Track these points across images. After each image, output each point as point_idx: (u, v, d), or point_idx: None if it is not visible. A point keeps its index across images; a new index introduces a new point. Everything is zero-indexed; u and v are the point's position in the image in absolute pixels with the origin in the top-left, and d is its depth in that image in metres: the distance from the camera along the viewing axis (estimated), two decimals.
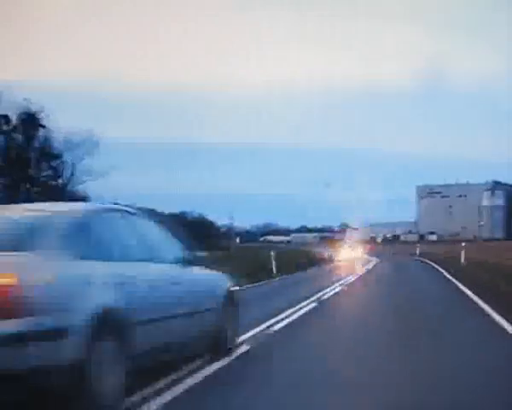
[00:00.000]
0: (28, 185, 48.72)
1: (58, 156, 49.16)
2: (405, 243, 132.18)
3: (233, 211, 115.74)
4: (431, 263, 42.26)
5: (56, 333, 4.79)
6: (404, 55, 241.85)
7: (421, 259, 51.02)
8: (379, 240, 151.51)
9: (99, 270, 5.59)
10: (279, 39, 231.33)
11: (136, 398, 5.86)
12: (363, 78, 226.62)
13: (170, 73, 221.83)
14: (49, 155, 48.20)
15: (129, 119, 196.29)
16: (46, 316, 4.76)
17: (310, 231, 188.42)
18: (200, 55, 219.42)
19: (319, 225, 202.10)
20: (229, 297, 8.25)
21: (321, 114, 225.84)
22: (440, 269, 33.44)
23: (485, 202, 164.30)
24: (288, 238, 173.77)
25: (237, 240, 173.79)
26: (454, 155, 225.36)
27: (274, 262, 30.62)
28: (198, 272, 7.68)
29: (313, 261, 44.82)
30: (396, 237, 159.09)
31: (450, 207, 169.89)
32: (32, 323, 4.66)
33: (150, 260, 6.61)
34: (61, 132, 46.56)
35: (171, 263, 7.07)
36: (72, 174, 49.44)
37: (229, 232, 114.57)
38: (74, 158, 48.13)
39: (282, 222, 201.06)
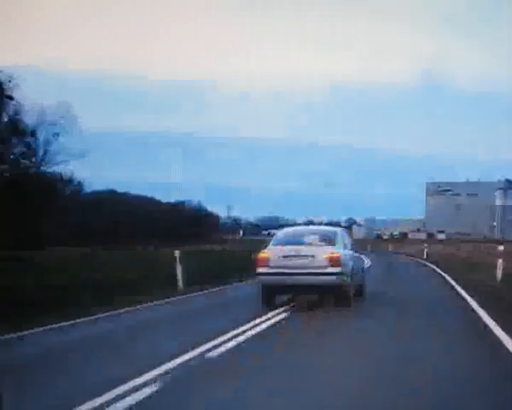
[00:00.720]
0: None
1: (31, 133, 44.46)
2: (413, 241, 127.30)
3: (233, 203, 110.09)
4: (450, 281, 23.52)
5: (345, 273, 14.60)
6: (410, 52, 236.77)
7: (432, 266, 35.91)
8: (385, 237, 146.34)
9: (349, 253, 15.69)
10: (280, 38, 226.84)
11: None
12: (370, 75, 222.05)
13: (174, 65, 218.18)
14: (18, 130, 43.48)
15: (132, 111, 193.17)
16: (343, 267, 14.52)
17: (315, 225, 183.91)
18: (201, 48, 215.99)
19: (325, 220, 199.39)
20: (365, 269, 20.44)
21: (329, 111, 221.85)
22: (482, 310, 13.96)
23: (498, 202, 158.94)
24: None
25: (240, 233, 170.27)
26: (464, 153, 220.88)
27: (180, 268, 20.25)
28: (357, 254, 17.71)
29: None
30: (403, 235, 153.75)
31: (460, 205, 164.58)
32: (340, 269, 14.44)
33: (351, 249, 16.51)
34: (35, 106, 42.00)
35: (352, 250, 16.59)
36: (45, 153, 44.83)
37: (229, 225, 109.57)
38: (48, 135, 43.52)
39: (288, 215, 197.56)
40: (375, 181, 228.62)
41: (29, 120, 42.63)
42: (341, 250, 14.95)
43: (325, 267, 14.23)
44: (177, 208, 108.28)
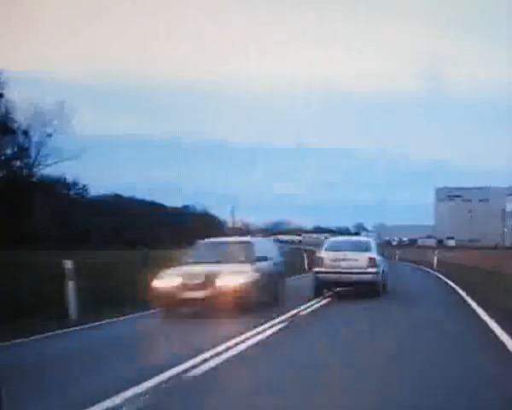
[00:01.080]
0: None
1: (23, 132, 42.52)
2: (422, 247, 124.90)
3: (241, 207, 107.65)
4: (477, 309, 15.27)
5: (378, 273, 19.10)
6: (411, 54, 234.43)
7: (445, 279, 28.16)
8: (394, 243, 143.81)
9: (380, 258, 20.07)
10: (281, 39, 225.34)
11: None
12: (380, 79, 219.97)
13: (176, 69, 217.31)
14: (9, 129, 41.49)
15: (130, 111, 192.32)
16: (377, 268, 19.10)
17: (324, 231, 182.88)
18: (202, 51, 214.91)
19: (333, 226, 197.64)
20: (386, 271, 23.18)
21: (336, 115, 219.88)
22: None
23: (509, 207, 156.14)
24: (300, 238, 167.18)
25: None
26: (474, 159, 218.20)
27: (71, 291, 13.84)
28: (384, 259, 22.34)
29: None
30: (413, 242, 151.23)
31: (471, 211, 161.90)
32: (376, 269, 19.01)
33: (381, 255, 21.84)
34: (28, 105, 40.08)
35: (381, 256, 21.73)
36: (38, 154, 42.92)
37: (230, 229, 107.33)
38: (41, 135, 41.63)
39: (297, 221, 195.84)
40: (384, 187, 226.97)
41: (22, 118, 40.90)
42: (376, 255, 19.67)
43: (366, 268, 18.98)
44: (181, 212, 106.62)
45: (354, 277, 18.87)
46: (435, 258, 42.63)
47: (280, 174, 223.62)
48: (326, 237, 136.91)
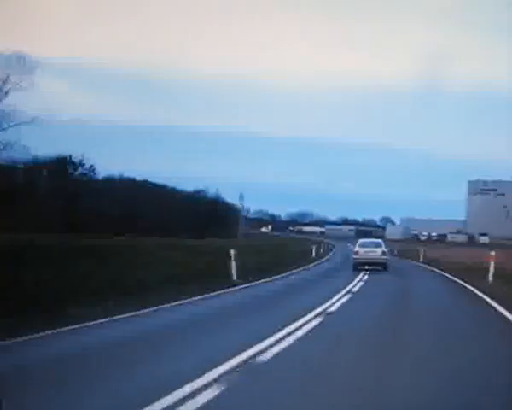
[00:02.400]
0: None
1: None
2: (451, 243, 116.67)
3: (243, 194, 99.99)
4: None
5: (387, 259, 35.88)
6: (419, 51, 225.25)
7: None
8: (422, 238, 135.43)
9: (386, 250, 37.90)
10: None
11: None
12: (413, 73, 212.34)
13: (200, 61, 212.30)
14: None
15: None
16: (387, 256, 36.31)
17: (349, 223, 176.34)
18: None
19: (359, 218, 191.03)
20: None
21: (365, 110, 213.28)
22: None
23: None
24: (322, 229, 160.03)
25: (269, 228, 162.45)
26: (508, 153, 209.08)
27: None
28: (388, 250, 43.27)
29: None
30: (442, 237, 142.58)
31: (506, 206, 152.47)
32: (386, 256, 35.65)
33: (387, 249, 41.05)
34: None
35: (387, 249, 41.56)
36: None
37: (238, 217, 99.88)
38: None
39: (321, 212, 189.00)
40: (413, 180, 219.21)
41: None
42: (385, 249, 35.68)
43: (380, 256, 34.54)
44: (197, 199, 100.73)
45: (373, 260, 34.45)
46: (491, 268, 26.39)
47: (305, 166, 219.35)
48: (351, 230, 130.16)
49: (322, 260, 49.71)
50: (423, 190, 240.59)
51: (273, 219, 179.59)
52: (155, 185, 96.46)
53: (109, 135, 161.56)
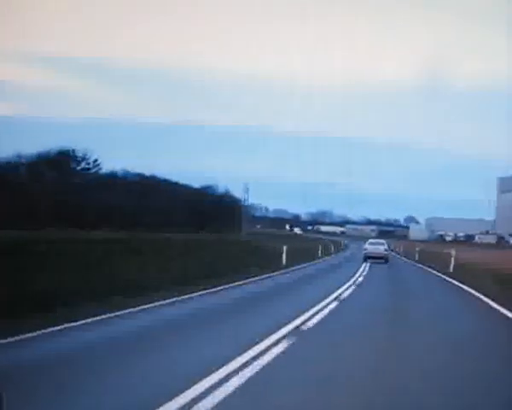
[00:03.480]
0: None
1: None
2: (479, 245, 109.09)
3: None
4: None
5: (388, 253, 51.23)
6: (478, 56, 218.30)
7: None
8: (448, 239, 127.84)
9: (388, 247, 54.28)
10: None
11: None
12: (438, 72, 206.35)
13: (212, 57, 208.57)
14: None
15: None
16: (388, 251, 51.70)
17: (371, 223, 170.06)
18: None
19: (383, 218, 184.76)
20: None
21: (390, 109, 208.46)
22: None
23: None
24: (342, 229, 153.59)
25: (287, 227, 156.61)
26: None
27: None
28: (388, 246, 58.73)
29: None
30: (470, 238, 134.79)
31: None
32: (387, 252, 50.63)
33: (388, 246, 58.31)
34: None
35: (388, 246, 56.61)
36: None
37: (243, 213, 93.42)
38: None
39: (341, 211, 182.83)
40: (438, 179, 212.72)
41: None
42: (387, 247, 51.11)
43: (383, 251, 48.19)
44: (206, 194, 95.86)
45: (378, 255, 47.04)
46: None
47: (328, 166, 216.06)
48: (373, 230, 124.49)
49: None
50: (448, 190, 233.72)
51: (295, 219, 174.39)
52: (162, 181, 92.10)
53: (131, 133, 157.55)
